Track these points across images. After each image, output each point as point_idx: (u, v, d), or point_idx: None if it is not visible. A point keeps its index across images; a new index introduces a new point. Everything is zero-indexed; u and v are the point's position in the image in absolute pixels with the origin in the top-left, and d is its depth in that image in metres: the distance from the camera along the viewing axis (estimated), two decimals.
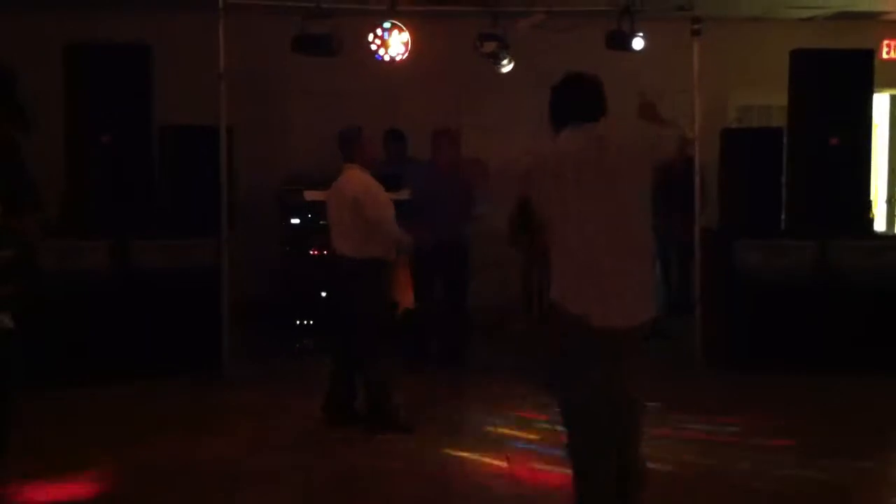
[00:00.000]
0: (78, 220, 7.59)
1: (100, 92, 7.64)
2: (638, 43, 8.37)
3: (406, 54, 8.28)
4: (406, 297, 6.75)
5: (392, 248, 6.38)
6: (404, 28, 8.22)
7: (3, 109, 3.97)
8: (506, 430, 6.35)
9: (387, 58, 8.32)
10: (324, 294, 8.30)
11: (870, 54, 8.24)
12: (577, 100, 4.44)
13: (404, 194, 7.67)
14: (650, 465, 4.37)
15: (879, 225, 10.04)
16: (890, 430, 6.62)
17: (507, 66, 8.86)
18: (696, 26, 8.11)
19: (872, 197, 9.17)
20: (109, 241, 7.49)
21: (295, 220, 8.68)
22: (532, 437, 6.22)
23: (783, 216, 8.18)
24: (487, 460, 5.75)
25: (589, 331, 4.02)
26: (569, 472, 4.17)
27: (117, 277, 7.48)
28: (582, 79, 4.55)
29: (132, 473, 5.49)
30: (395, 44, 8.27)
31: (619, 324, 4.04)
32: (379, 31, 8.23)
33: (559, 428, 4.40)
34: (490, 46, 8.46)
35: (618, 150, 4.16)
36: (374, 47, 8.27)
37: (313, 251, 8.59)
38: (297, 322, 8.66)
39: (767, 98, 8.98)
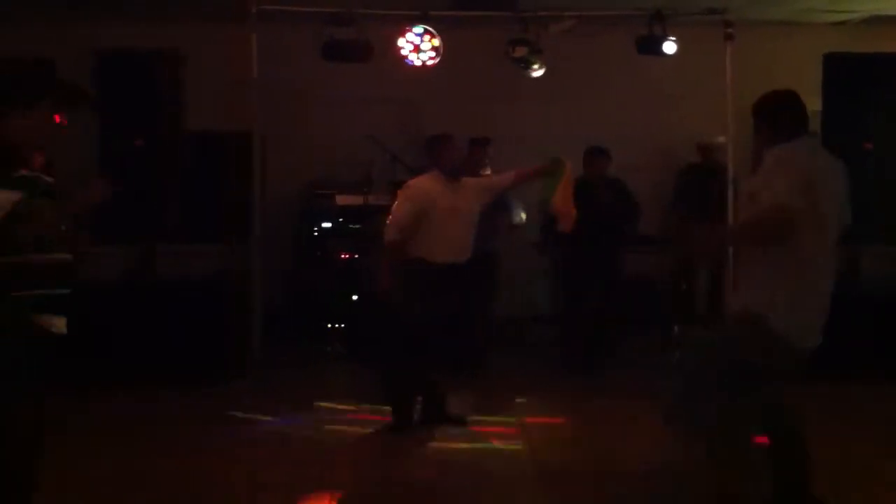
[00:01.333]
0: (108, 225, 7.64)
1: (130, 98, 7.72)
2: (670, 47, 8.34)
3: (437, 59, 8.30)
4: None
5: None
6: (436, 34, 8.24)
7: (61, 92, 4.03)
8: None
9: (418, 63, 8.34)
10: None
11: None
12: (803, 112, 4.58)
13: None
14: None
15: None
16: None
17: (538, 72, 8.85)
18: (728, 30, 8.09)
19: None
20: (137, 245, 7.55)
21: (326, 224, 8.74)
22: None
23: None
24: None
25: (788, 351, 4.17)
26: None
27: (144, 282, 7.54)
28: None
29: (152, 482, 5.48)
30: (426, 49, 8.29)
31: (812, 345, 4.21)
32: (411, 36, 8.26)
33: None
34: (521, 51, 8.46)
35: None
36: (405, 52, 8.29)
37: (343, 255, 8.63)
38: (328, 326, 8.69)
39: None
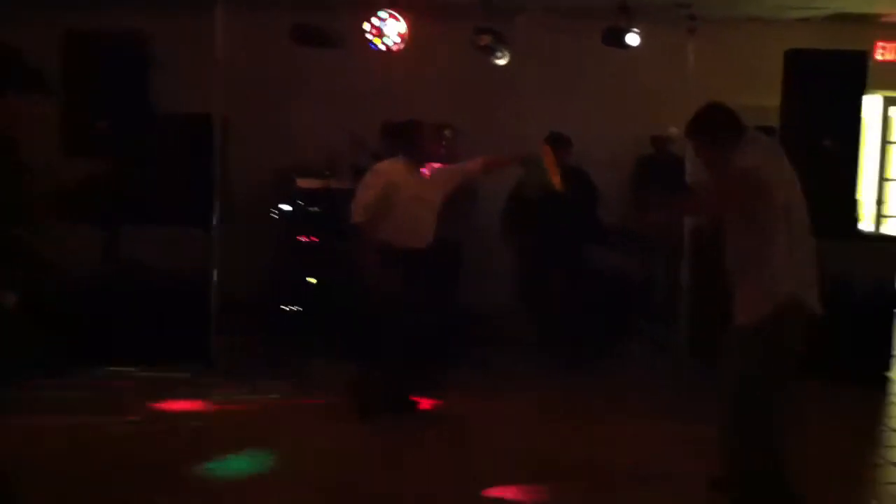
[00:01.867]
0: (72, 207, 7.58)
1: (97, 79, 7.61)
2: (633, 39, 8.41)
3: (402, 44, 8.27)
4: None
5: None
6: (401, 18, 8.21)
7: (26, 78, 3.99)
8: None
9: (382, 47, 8.31)
10: None
11: (863, 55, 8.26)
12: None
13: None
14: None
15: (867, 226, 10.09)
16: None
17: (502, 60, 8.87)
18: (692, 24, 8.15)
19: (862, 198, 9.23)
20: (100, 230, 7.48)
21: (285, 207, 8.71)
22: None
23: None
24: None
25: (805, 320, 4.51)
26: None
27: (107, 267, 7.48)
28: None
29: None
30: (391, 33, 8.26)
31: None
32: (375, 20, 8.22)
33: None
34: (485, 39, 8.48)
35: None
36: (369, 36, 8.26)
37: (302, 238, 8.61)
38: (288, 309, 8.66)
39: (763, 98, 8.98)
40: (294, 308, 8.64)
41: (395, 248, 6.33)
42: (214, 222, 7.59)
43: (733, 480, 4.77)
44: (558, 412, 6.82)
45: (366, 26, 8.22)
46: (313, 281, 8.57)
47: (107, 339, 7.37)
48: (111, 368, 7.29)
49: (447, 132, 8.17)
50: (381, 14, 8.20)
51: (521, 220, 8.16)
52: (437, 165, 6.76)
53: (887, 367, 7.96)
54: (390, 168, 6.51)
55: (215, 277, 7.61)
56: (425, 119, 8.03)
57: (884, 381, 7.79)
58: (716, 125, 4.70)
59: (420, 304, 6.43)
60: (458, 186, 6.87)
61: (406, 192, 6.39)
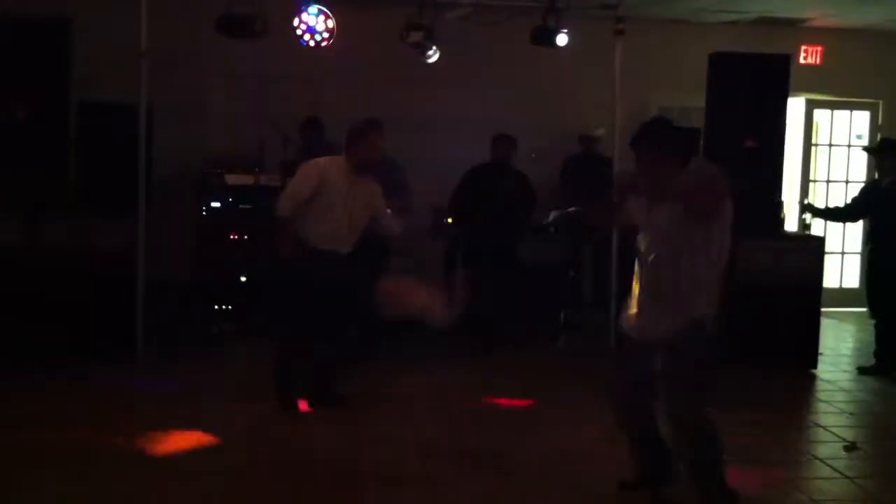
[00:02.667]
0: None
1: (17, 66, 7.47)
2: (562, 39, 8.48)
3: (331, 41, 8.24)
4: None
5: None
6: (330, 14, 8.19)
7: None
8: None
9: (311, 43, 8.27)
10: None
11: (787, 58, 8.41)
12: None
13: None
14: None
15: (790, 226, 10.28)
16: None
17: (432, 57, 8.90)
18: (619, 26, 8.24)
19: (785, 199, 9.41)
20: (21, 217, 7.33)
21: (215, 204, 8.62)
22: None
23: None
24: None
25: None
26: None
27: (28, 254, 7.33)
28: None
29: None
30: (320, 30, 8.23)
31: None
32: (304, 16, 8.19)
33: None
34: (416, 36, 8.49)
35: None
36: (299, 32, 8.22)
37: (232, 235, 8.53)
38: (216, 306, 8.58)
39: (688, 99, 9.15)
40: (225, 307, 8.58)
41: (316, 249, 6.22)
42: (140, 213, 7.47)
43: (647, 481, 4.93)
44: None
45: (295, 22, 8.17)
46: (244, 279, 8.51)
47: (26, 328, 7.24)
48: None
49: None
50: (312, 10, 8.16)
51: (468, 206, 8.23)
52: (372, 183, 6.50)
53: (813, 364, 8.13)
54: (330, 165, 6.35)
55: (141, 270, 7.49)
56: (358, 114, 8.08)
57: (809, 378, 7.95)
58: (670, 141, 4.58)
59: (338, 304, 6.34)
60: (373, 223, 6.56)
61: (340, 194, 6.24)
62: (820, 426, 6.72)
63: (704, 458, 4.63)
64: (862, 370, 8.10)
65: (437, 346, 8.08)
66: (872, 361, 8.17)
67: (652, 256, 4.62)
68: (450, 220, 8.62)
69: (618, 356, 4.89)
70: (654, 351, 4.65)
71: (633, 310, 4.74)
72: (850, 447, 6.09)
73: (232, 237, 8.52)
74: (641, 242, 4.71)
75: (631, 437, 4.92)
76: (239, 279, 8.53)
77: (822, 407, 7.31)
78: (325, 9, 8.17)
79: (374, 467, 5.43)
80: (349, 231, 6.36)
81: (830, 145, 11.32)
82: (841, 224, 11.01)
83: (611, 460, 5.28)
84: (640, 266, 4.71)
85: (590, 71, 9.03)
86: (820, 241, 8.60)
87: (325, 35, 8.23)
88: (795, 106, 10.59)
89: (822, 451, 6.09)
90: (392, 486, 5.18)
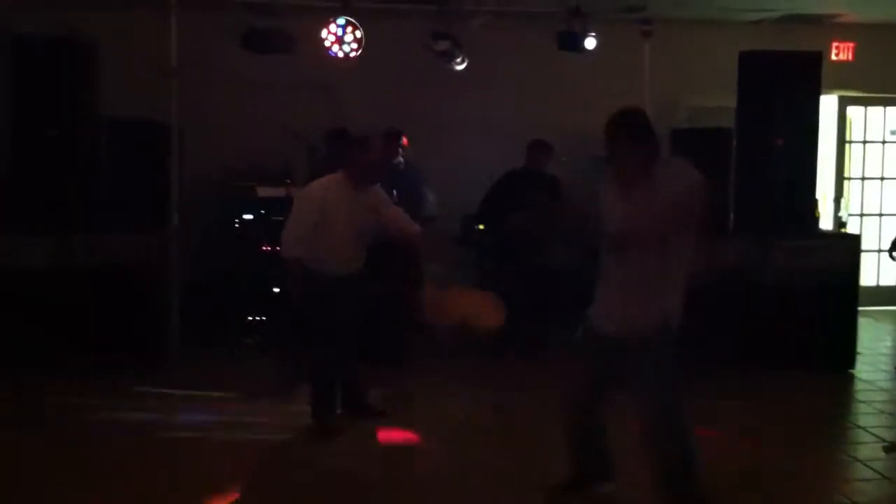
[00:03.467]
0: (21, 215, 7.52)
1: (46, 84, 7.56)
2: (590, 42, 8.45)
3: (359, 51, 8.29)
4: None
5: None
6: (359, 25, 8.22)
7: None
8: None
9: (340, 54, 8.32)
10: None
11: (818, 56, 8.34)
12: None
13: None
14: None
15: (825, 224, 10.19)
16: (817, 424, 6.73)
17: (460, 65, 8.91)
18: (646, 28, 8.21)
19: (819, 197, 9.33)
20: (50, 235, 7.40)
21: (248, 216, 8.67)
22: None
23: (731, 216, 8.29)
24: None
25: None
26: None
27: (60, 272, 7.40)
28: None
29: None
30: (349, 41, 8.27)
31: None
32: (333, 28, 8.23)
33: None
34: (444, 45, 8.50)
35: None
36: (327, 44, 8.27)
37: (265, 247, 8.57)
38: (249, 318, 8.63)
39: (718, 99, 9.08)
40: (259, 318, 8.63)
41: (323, 275, 6.01)
42: (171, 228, 7.53)
43: (584, 480, 4.89)
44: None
45: (324, 33, 8.22)
46: (277, 290, 8.55)
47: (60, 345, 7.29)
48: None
49: (398, 137, 8.15)
50: (339, 21, 8.21)
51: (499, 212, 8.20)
52: (375, 190, 6.29)
53: (851, 364, 8.04)
54: (328, 187, 6.05)
55: (175, 284, 7.55)
56: (384, 123, 8.13)
57: (848, 378, 7.86)
58: (644, 127, 4.51)
59: (357, 321, 6.28)
60: (383, 231, 6.38)
61: (343, 214, 5.99)
62: (859, 427, 6.65)
63: (688, 464, 4.53)
64: None
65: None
66: None
67: (624, 251, 4.49)
68: (481, 227, 8.61)
69: (581, 352, 4.76)
70: (621, 349, 4.56)
71: (603, 304, 4.65)
72: (890, 448, 6.00)
73: (265, 249, 8.56)
74: (610, 237, 4.57)
75: (577, 435, 4.85)
76: (272, 290, 8.57)
77: (860, 408, 7.22)
78: (352, 19, 8.21)
79: None
80: (356, 248, 6.18)
81: (865, 142, 11.20)
82: (877, 221, 10.94)
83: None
84: (611, 260, 4.59)
85: (616, 74, 8.98)
86: (856, 238, 8.53)
87: (354, 45, 8.27)
88: (828, 103, 10.49)
89: (862, 452, 6.01)
90: None
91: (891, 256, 8.09)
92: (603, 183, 4.69)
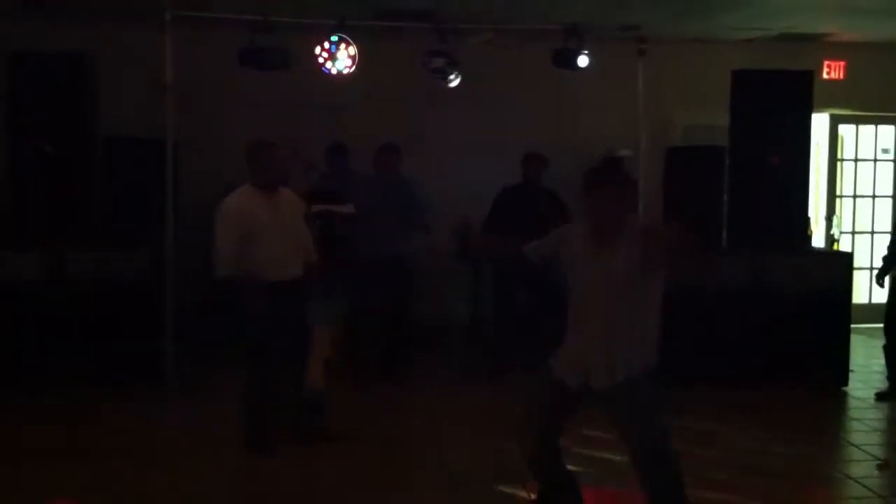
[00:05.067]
0: (15, 230, 7.52)
1: (42, 101, 7.57)
2: (583, 60, 8.48)
3: (353, 68, 8.30)
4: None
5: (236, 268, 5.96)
6: (352, 42, 8.25)
7: None
8: None
9: (334, 71, 8.33)
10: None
11: (810, 74, 8.41)
12: None
13: (349, 208, 7.68)
14: None
15: (818, 241, 10.24)
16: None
17: (454, 82, 8.93)
18: (642, 46, 8.25)
19: (811, 215, 9.37)
20: (45, 251, 7.40)
21: None
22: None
23: (724, 233, 8.33)
24: None
25: None
26: None
27: (53, 288, 7.39)
28: None
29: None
30: (342, 57, 8.29)
31: None
32: (326, 45, 8.25)
33: None
34: (438, 62, 8.52)
35: None
36: (321, 60, 8.28)
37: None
38: None
39: (711, 117, 9.12)
40: None
41: (265, 282, 5.91)
42: (167, 245, 7.52)
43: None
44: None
45: (317, 50, 8.24)
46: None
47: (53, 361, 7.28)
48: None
49: (393, 152, 8.21)
50: (333, 38, 8.23)
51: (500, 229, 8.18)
52: (287, 191, 6.29)
53: (844, 382, 8.06)
54: (241, 199, 6.02)
55: (170, 299, 7.54)
56: (380, 139, 8.18)
57: (841, 395, 7.88)
58: (633, 182, 4.60)
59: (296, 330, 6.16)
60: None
61: (263, 223, 5.96)
62: (852, 444, 6.67)
63: (680, 485, 4.52)
64: (880, 396, 7.84)
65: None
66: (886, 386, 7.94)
67: (603, 304, 4.41)
68: None
69: (539, 397, 4.67)
70: (590, 399, 4.51)
71: (574, 355, 4.54)
72: (883, 465, 6.03)
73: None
74: (584, 289, 4.50)
75: (536, 463, 4.78)
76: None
77: (853, 425, 7.25)
78: (346, 36, 8.23)
79: None
80: (289, 253, 6.10)
81: (856, 160, 11.26)
82: (869, 239, 10.98)
83: None
84: (584, 313, 4.50)
85: (611, 92, 9.04)
86: (848, 256, 8.57)
87: (348, 63, 8.28)
88: (820, 121, 10.56)
89: (855, 469, 6.03)
90: None
91: (878, 283, 8.12)
92: (570, 231, 4.68)
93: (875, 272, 8.26)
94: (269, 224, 5.98)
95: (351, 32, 8.19)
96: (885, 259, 8.08)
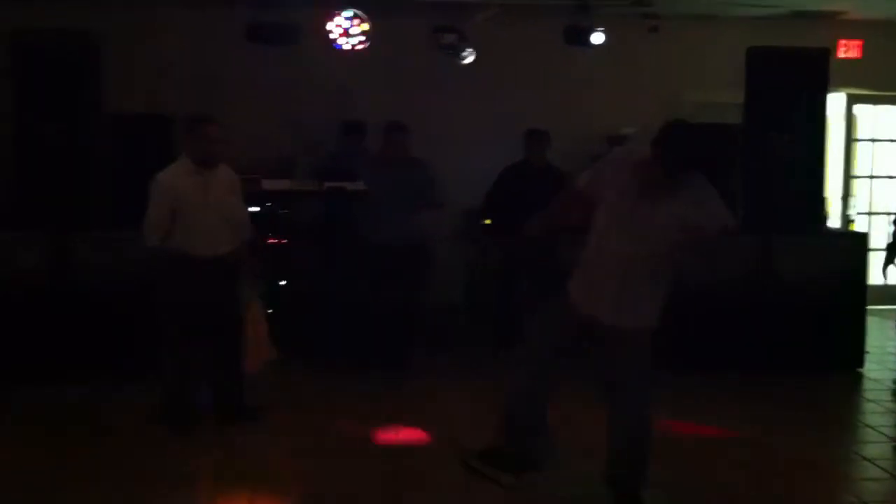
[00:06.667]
0: (21, 212, 7.46)
1: (48, 80, 7.48)
2: (598, 37, 8.39)
3: (367, 44, 8.21)
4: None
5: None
6: (366, 18, 8.16)
7: None
8: None
9: (347, 47, 8.25)
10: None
11: (825, 52, 8.28)
12: None
13: (360, 185, 7.60)
14: None
15: (833, 222, 10.14)
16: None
17: (468, 59, 8.85)
18: (653, 23, 8.16)
19: (827, 194, 9.27)
20: (50, 233, 7.30)
21: (253, 209, 8.61)
22: None
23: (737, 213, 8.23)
24: None
25: None
26: None
27: (63, 269, 7.33)
28: None
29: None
30: (355, 33, 8.20)
31: None
32: (339, 20, 8.16)
33: None
34: (450, 38, 8.45)
35: None
36: (333, 36, 8.20)
37: (270, 240, 8.53)
38: None
39: (723, 95, 9.03)
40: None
41: (193, 257, 5.92)
42: None
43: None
44: None
45: (330, 26, 8.15)
46: (283, 283, 8.50)
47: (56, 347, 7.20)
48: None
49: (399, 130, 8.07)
50: (346, 13, 8.14)
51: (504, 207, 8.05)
52: (225, 168, 6.20)
53: (860, 363, 7.98)
54: (173, 176, 5.97)
55: None
56: (389, 117, 8.07)
57: (857, 377, 7.80)
58: (707, 158, 4.59)
59: (222, 307, 6.09)
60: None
61: (194, 199, 5.93)
62: (868, 426, 6.61)
63: (644, 456, 4.64)
64: None
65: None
66: None
67: (628, 250, 4.46)
68: (487, 222, 8.54)
69: (549, 325, 4.77)
70: (598, 333, 4.58)
71: (590, 288, 4.60)
72: None
73: (270, 241, 8.51)
74: (612, 231, 4.52)
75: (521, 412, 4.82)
76: (278, 284, 8.52)
77: (869, 407, 7.17)
78: (360, 12, 8.14)
79: None
80: (221, 229, 6.05)
81: (873, 140, 11.14)
82: (887, 220, 10.87)
83: None
84: (607, 253, 4.54)
85: (619, 69, 8.96)
86: (864, 237, 8.47)
87: (362, 38, 8.18)
88: (836, 101, 10.43)
89: (871, 451, 5.97)
90: None
91: (883, 274, 8.04)
92: (616, 166, 4.61)
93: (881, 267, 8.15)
94: (200, 199, 5.95)
95: (360, 7, 8.10)
96: (889, 247, 7.99)
